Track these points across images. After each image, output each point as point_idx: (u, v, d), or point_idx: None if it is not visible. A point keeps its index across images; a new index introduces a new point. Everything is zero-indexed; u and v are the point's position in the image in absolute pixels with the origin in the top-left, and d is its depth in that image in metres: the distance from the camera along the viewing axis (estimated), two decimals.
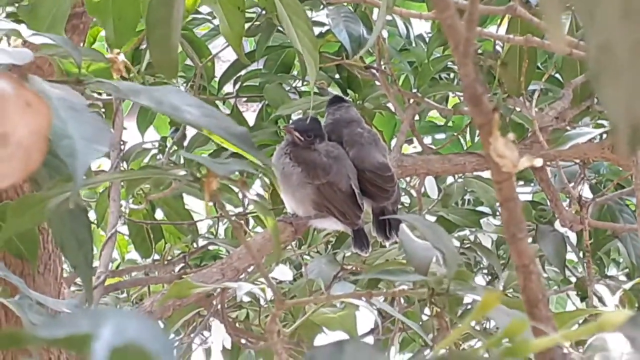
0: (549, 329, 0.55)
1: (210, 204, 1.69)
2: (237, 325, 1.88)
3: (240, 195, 1.86)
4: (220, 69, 1.88)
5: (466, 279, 0.68)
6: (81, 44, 1.33)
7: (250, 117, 1.92)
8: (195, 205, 2.00)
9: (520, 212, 0.54)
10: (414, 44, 1.82)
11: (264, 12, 1.66)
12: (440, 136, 2.14)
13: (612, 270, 2.17)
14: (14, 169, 0.59)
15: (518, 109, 1.65)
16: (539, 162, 0.56)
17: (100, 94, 1.65)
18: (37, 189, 0.72)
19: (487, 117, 0.53)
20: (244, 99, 1.92)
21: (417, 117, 1.89)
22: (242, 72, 1.84)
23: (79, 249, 0.73)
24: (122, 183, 1.49)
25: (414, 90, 1.77)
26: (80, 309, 0.79)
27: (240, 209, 1.89)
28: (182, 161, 1.85)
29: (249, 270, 1.44)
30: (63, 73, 1.14)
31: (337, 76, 1.83)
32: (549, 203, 1.74)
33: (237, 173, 1.82)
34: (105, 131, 0.61)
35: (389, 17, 1.70)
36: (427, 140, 2.09)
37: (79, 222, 0.73)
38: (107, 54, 0.82)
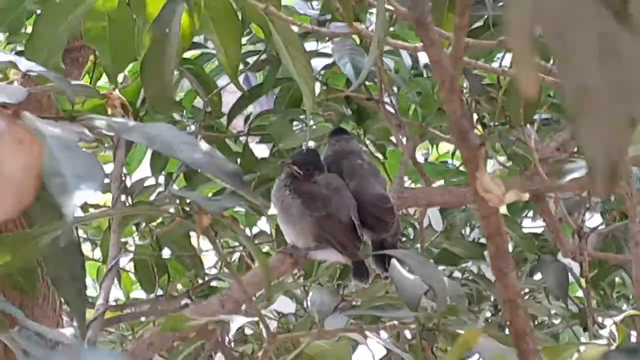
0: None
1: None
2: (243, 359, 1.87)
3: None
4: (231, 99, 1.84)
5: (457, 314, 0.68)
6: (81, 77, 1.34)
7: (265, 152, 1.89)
8: (204, 243, 1.97)
9: (507, 247, 0.54)
10: (424, 74, 1.81)
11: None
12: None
13: (623, 304, 2.15)
14: (6, 204, 0.59)
15: (524, 142, 1.64)
16: (525, 197, 0.56)
17: None
18: (31, 225, 0.73)
19: (474, 152, 0.53)
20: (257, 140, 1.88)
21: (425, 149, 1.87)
22: (251, 110, 1.81)
23: (72, 283, 0.73)
24: None
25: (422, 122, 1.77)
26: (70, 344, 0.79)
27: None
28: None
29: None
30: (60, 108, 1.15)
31: (349, 112, 1.81)
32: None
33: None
34: (98, 169, 0.61)
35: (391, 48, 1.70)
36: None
37: (72, 258, 0.73)
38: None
